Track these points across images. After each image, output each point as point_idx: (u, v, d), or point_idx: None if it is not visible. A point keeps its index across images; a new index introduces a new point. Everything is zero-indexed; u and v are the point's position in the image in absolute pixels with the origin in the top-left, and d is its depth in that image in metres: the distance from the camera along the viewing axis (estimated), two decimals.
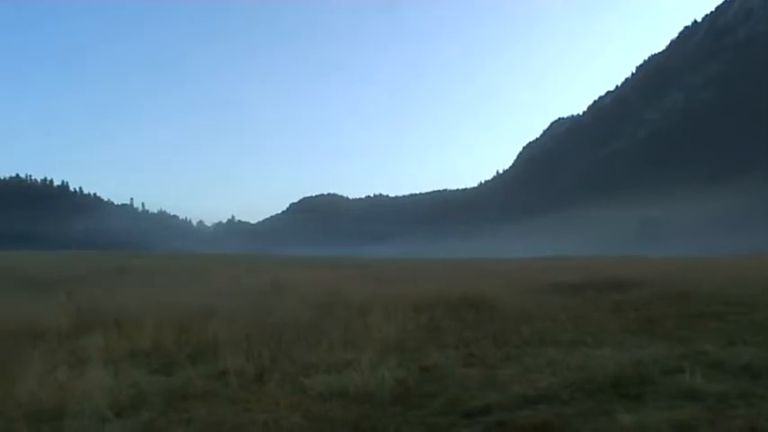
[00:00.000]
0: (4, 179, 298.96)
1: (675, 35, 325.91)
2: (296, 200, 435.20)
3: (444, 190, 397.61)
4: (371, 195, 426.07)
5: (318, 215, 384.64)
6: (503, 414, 5.38)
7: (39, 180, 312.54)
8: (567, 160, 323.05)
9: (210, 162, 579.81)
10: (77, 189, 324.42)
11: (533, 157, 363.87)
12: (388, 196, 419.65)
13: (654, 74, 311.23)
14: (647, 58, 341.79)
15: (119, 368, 7.23)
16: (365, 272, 30.09)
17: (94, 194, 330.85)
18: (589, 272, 22.49)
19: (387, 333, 9.41)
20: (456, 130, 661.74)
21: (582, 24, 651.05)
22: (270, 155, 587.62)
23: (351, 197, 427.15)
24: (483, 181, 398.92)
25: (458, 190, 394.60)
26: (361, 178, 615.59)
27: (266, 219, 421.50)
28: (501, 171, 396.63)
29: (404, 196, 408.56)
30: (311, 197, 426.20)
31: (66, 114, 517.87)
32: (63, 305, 13.43)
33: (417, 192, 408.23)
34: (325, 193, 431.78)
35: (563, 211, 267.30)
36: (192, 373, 7.10)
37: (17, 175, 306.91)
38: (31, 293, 18.75)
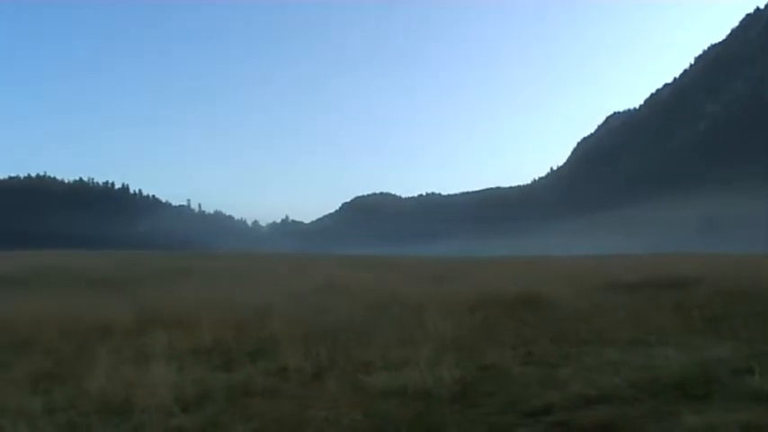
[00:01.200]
0: (68, 182, 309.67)
1: (736, 23, 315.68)
2: (348, 199, 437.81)
3: (497, 188, 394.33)
4: (424, 194, 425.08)
5: (371, 214, 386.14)
6: (564, 414, 5.31)
7: (100, 183, 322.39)
8: (623, 156, 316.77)
9: (265, 163, 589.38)
10: (137, 191, 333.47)
11: (588, 152, 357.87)
12: (440, 195, 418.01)
13: (714, 64, 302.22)
14: (706, 48, 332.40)
15: (182, 365, 7.43)
16: (419, 271, 30.11)
17: (153, 196, 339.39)
18: (647, 270, 21.98)
19: (443, 332, 9.37)
20: (508, 126, 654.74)
21: (638, 14, 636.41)
22: (322, 155, 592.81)
23: (403, 196, 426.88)
24: (537, 178, 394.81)
25: (511, 187, 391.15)
26: (414, 177, 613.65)
27: (319, 218, 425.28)
28: (555, 168, 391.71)
29: (456, 194, 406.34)
30: (363, 196, 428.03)
31: (125, 119, 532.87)
32: (127, 304, 13.84)
33: (470, 190, 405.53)
34: (378, 192, 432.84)
35: (619, 208, 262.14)
36: (253, 371, 7.23)
37: (80, 179, 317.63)
38: (97, 292, 19.38)
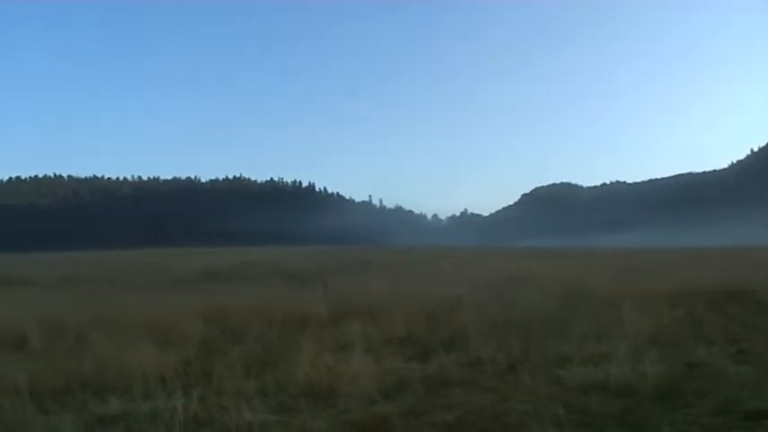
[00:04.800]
0: (261, 183, 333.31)
1: None
2: (528, 190, 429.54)
3: (689, 173, 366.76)
4: (607, 183, 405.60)
5: (551, 205, 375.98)
6: None
7: (289, 182, 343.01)
8: None
9: (443, 157, 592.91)
10: (322, 189, 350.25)
11: None
12: (625, 183, 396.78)
13: None
14: None
15: (378, 355, 7.70)
16: (606, 262, 28.87)
17: (337, 193, 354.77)
18: None
19: (640, 326, 8.93)
20: (701, 102, 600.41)
21: None
22: (500, 146, 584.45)
23: (585, 185, 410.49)
24: (734, 161, 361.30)
25: (705, 173, 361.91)
26: (596, 165, 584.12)
27: (498, 210, 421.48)
28: (756, 149, 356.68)
29: (643, 182, 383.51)
30: (543, 187, 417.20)
31: (311, 121, 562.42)
32: (320, 296, 14.56)
33: (658, 176, 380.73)
34: (558, 182, 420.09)
35: None
36: (446, 361, 7.33)
37: (271, 179, 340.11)
38: (292, 285, 20.59)
